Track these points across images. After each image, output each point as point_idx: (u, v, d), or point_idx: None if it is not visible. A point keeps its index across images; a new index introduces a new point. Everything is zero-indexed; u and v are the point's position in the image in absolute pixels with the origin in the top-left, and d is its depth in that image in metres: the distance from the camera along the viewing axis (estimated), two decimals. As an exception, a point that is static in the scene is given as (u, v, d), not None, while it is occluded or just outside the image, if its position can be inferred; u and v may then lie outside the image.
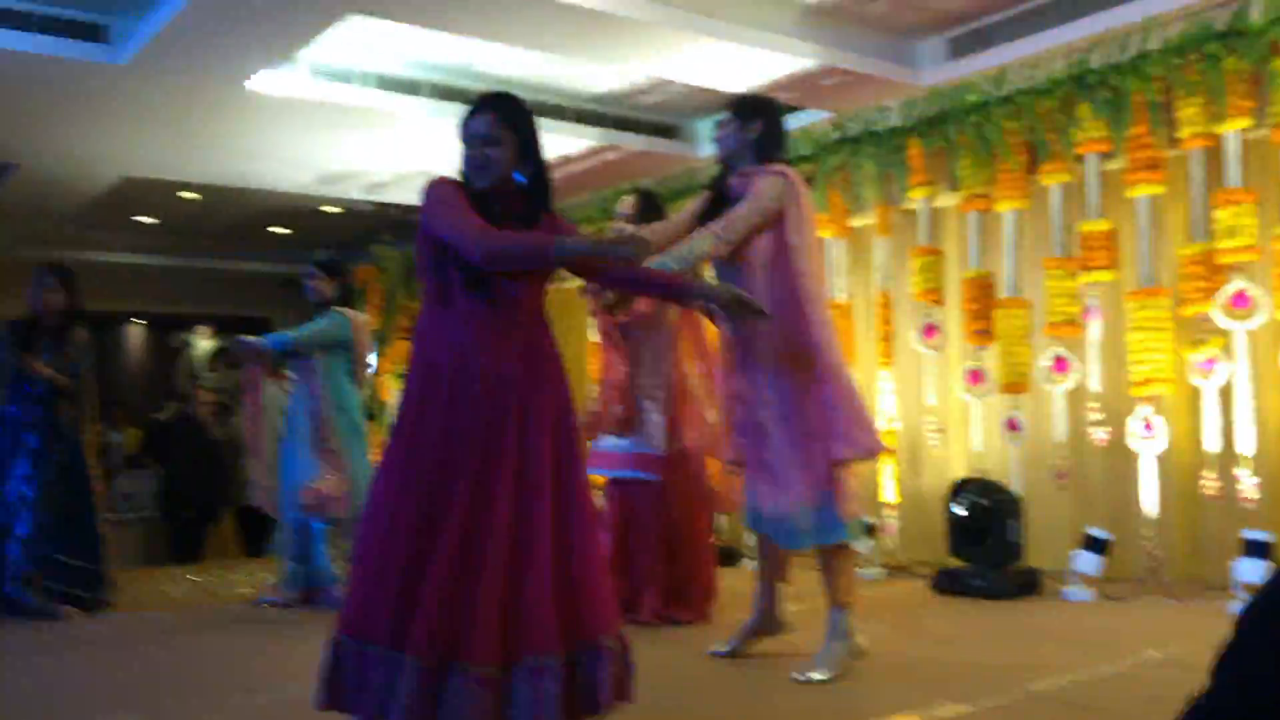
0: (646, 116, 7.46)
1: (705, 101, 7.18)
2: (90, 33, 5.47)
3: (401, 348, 7.92)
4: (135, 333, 10.46)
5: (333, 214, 9.33)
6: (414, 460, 2.43)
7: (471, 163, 2.55)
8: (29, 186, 7.55)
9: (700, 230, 3.24)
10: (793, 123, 6.59)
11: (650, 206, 4.40)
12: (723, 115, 3.45)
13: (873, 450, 3.33)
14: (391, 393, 7.87)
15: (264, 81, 5.83)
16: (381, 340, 8.34)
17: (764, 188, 3.26)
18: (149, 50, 5.33)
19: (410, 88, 6.50)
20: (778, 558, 3.59)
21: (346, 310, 5.33)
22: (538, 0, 5.04)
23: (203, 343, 10.70)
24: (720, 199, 3.40)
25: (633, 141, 7.37)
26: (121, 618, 4.95)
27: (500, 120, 2.54)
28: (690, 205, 3.56)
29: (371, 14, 5.15)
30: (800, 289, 3.26)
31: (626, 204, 4.43)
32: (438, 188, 2.52)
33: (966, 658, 3.60)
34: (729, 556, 6.00)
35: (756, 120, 3.40)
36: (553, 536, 2.41)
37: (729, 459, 3.57)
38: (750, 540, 5.60)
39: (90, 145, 6.77)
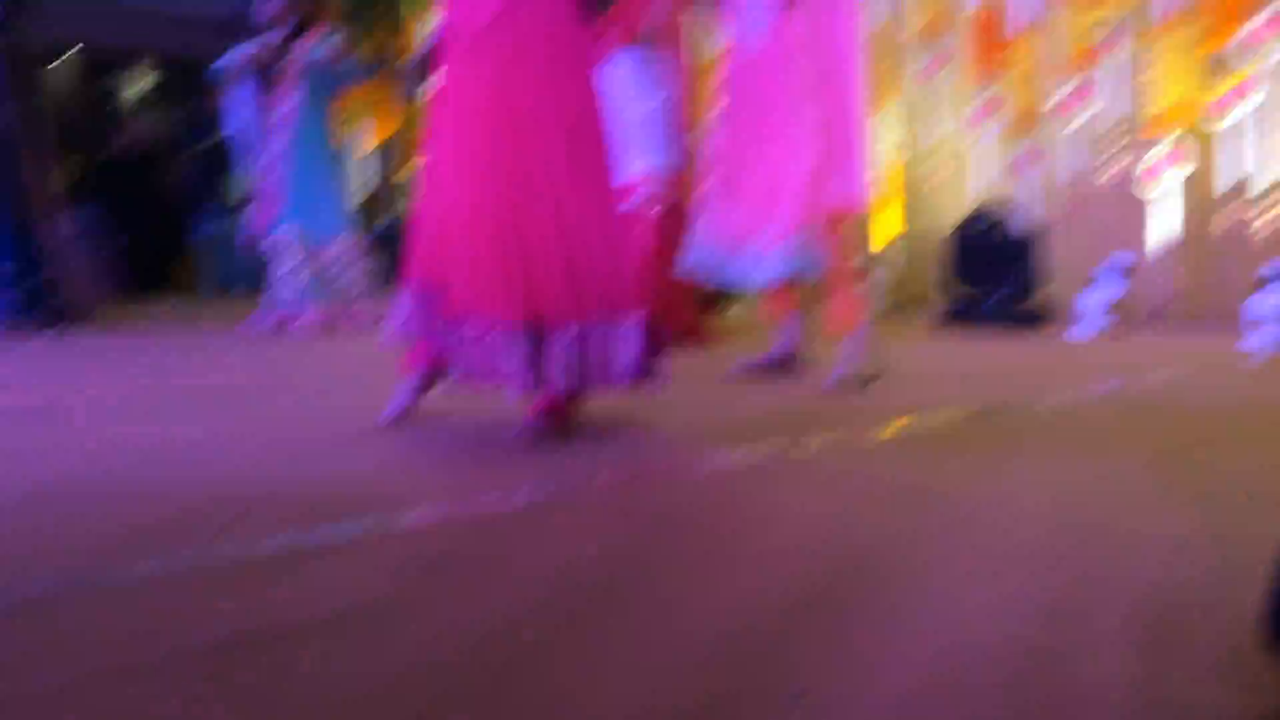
0: None
1: None
2: None
3: (363, 87, 7.36)
4: (63, 71, 9.70)
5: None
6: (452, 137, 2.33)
7: None
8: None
9: None
10: None
11: None
12: None
13: (862, 202, 3.17)
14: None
15: None
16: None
17: None
18: None
19: None
20: (784, 290, 3.39)
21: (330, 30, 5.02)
22: None
23: (138, 83, 9.99)
24: None
25: None
26: (109, 335, 4.83)
27: None
28: None
29: None
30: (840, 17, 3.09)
31: None
32: None
33: (983, 373, 3.49)
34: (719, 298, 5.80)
35: None
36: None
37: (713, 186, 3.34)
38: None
39: None
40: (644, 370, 2.33)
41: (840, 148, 3.07)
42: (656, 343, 2.39)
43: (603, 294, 2.28)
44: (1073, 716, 0.98)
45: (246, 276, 7.57)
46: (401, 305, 2.41)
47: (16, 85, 4.92)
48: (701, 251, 3.26)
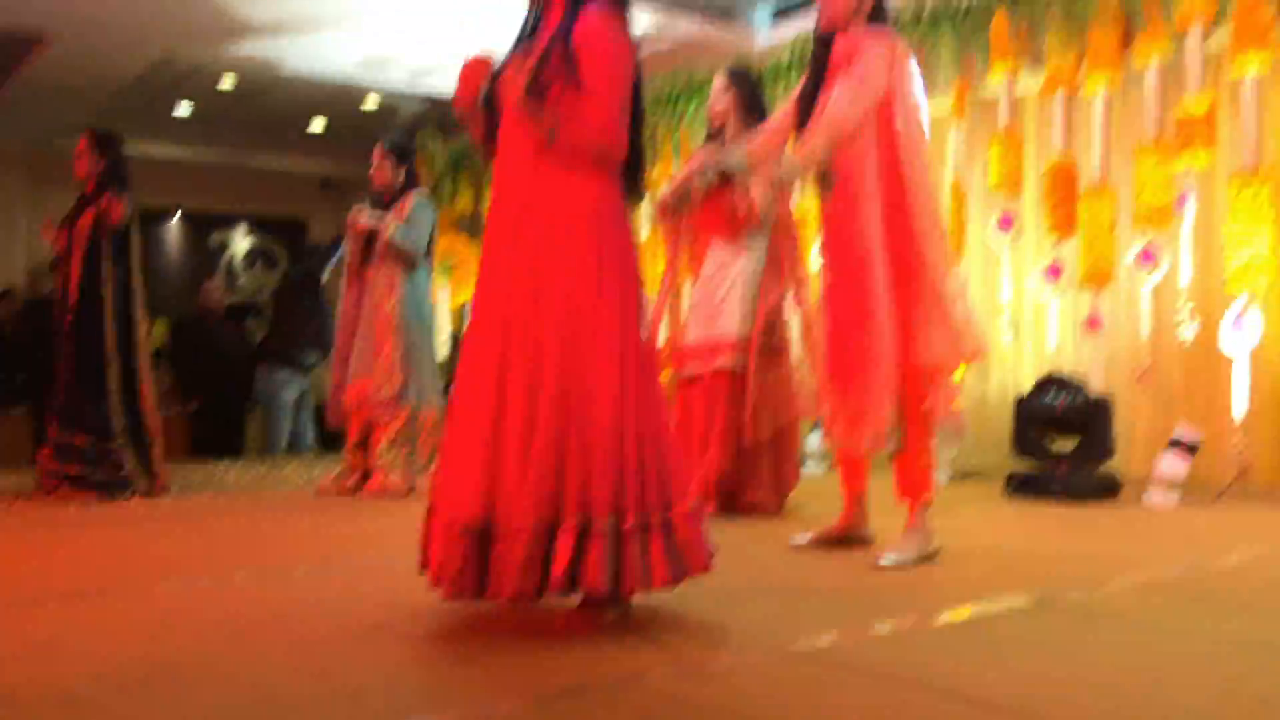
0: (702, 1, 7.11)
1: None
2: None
3: (448, 243, 7.68)
4: (172, 229, 10.29)
5: (371, 112, 9.05)
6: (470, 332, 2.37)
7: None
8: (63, 64, 7.27)
9: (798, 142, 3.03)
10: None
11: (748, 91, 4.15)
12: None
13: (958, 358, 3.11)
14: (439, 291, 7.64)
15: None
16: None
17: (869, 65, 2.96)
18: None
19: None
20: (858, 464, 3.37)
21: (426, 194, 5.16)
22: None
23: (240, 242, 10.53)
24: (821, 72, 3.14)
25: (688, 25, 7.02)
26: (181, 500, 4.90)
27: None
28: (788, 100, 3.34)
29: None
30: (905, 178, 3.01)
31: (721, 97, 4.12)
32: None
33: (1048, 552, 3.40)
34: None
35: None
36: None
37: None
38: (815, 444, 5.41)
39: (130, 15, 6.47)
40: (681, 568, 2.24)
41: (924, 295, 3.02)
42: (697, 533, 2.29)
43: (635, 486, 2.19)
44: None
45: (320, 438, 7.71)
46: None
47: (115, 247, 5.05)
48: (822, 424, 3.26)
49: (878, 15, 3.13)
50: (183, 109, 9.02)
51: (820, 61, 3.15)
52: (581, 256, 2.26)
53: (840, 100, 2.94)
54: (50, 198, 8.27)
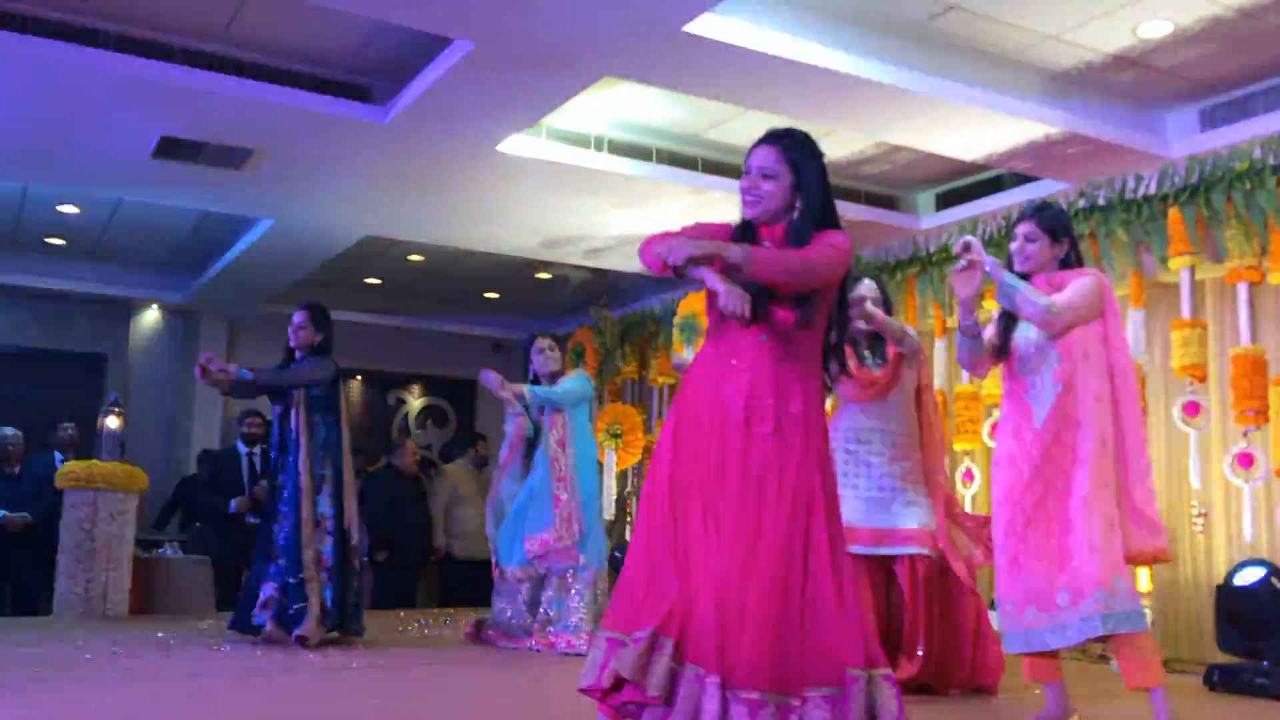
0: (867, 187, 7.39)
1: (927, 172, 7.07)
2: (357, 93, 5.79)
3: (614, 410, 7.98)
4: (354, 388, 10.92)
5: (543, 280, 9.58)
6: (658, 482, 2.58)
7: (744, 193, 2.65)
8: (279, 243, 8.01)
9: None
10: (1032, 192, 6.40)
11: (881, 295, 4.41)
12: (1026, 227, 3.48)
13: (1159, 554, 3.32)
14: (605, 454, 7.91)
15: (514, 144, 6.06)
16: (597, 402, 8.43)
17: (1079, 289, 3.32)
18: (411, 112, 5.60)
19: (641, 153, 6.63)
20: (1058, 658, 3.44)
21: (585, 369, 5.57)
22: (783, 63, 5.07)
23: (414, 401, 11.09)
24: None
25: (854, 211, 7.29)
26: (372, 652, 5.13)
27: (780, 155, 2.62)
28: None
29: (627, 78, 5.28)
30: (1119, 382, 3.33)
31: (867, 287, 4.36)
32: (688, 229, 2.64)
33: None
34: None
35: (1065, 238, 3.48)
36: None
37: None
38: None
39: (342, 204, 7.14)
40: None
41: (1128, 491, 3.24)
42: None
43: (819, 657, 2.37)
44: None
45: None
46: (595, 649, 2.51)
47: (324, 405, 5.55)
48: (1005, 616, 3.33)
49: (1070, 260, 3.45)
50: (373, 279, 9.72)
51: None
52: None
53: (1048, 298, 3.26)
54: (246, 357, 8.94)
